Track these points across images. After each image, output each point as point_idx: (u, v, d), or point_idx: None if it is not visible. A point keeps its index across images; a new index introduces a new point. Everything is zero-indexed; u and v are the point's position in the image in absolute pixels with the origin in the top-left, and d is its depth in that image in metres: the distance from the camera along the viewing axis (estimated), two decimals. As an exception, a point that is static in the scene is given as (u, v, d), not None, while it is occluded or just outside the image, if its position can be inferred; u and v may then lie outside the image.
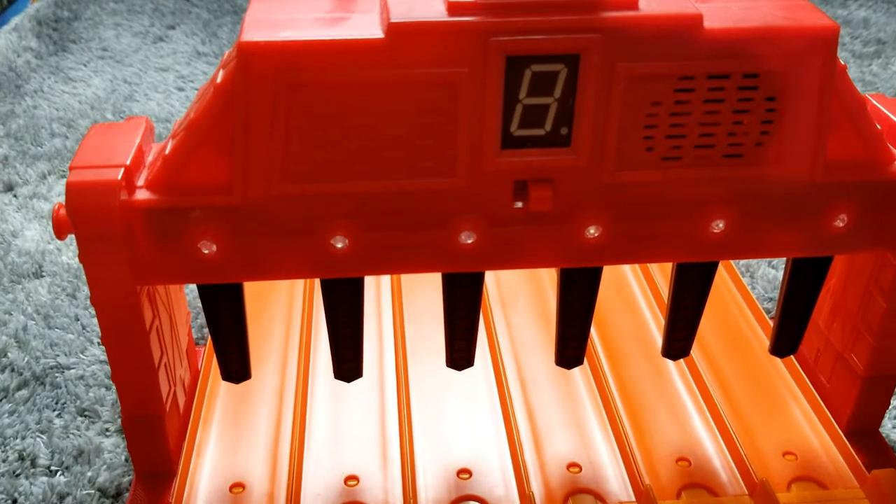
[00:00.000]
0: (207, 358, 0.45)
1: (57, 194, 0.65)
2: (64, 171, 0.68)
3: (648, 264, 0.54)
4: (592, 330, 0.48)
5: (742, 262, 0.58)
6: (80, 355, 0.48)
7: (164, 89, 0.83)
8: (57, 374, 0.47)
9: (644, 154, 0.33)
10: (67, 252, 0.58)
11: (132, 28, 0.94)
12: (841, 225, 0.36)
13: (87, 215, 0.32)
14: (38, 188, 0.66)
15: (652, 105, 0.32)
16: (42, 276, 0.55)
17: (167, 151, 0.33)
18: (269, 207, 0.33)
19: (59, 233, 0.34)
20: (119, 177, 0.32)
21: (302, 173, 0.32)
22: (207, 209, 0.33)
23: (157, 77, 0.85)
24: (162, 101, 0.80)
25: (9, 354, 0.48)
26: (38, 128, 0.74)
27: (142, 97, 0.81)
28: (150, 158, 0.35)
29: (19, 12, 0.96)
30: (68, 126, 0.75)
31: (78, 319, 0.51)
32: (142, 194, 0.33)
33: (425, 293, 0.51)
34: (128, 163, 0.33)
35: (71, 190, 0.32)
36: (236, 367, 0.38)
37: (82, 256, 0.33)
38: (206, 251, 0.34)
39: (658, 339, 0.48)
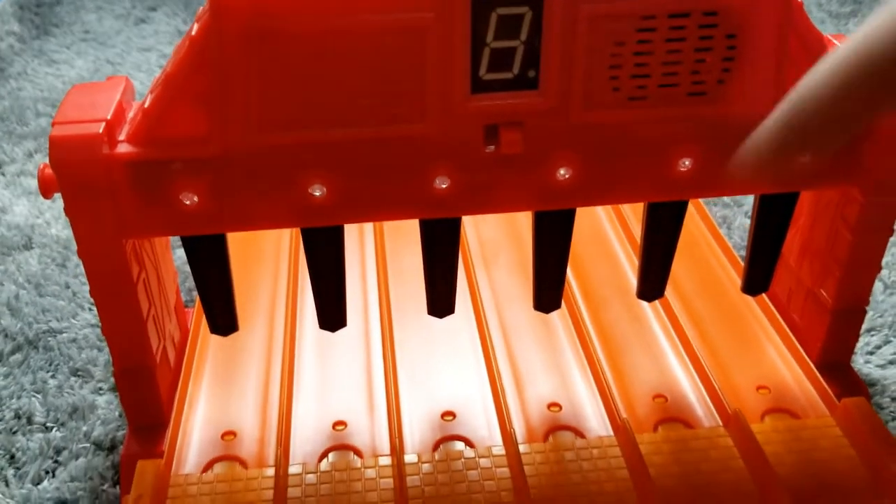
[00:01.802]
0: (196, 318, 0.46)
1: (44, 171, 0.66)
2: (50, 148, 0.69)
3: (623, 210, 0.55)
4: (570, 276, 0.49)
5: (719, 213, 0.59)
6: (72, 320, 0.50)
7: (148, 68, 0.83)
8: (49, 338, 0.48)
9: (610, 94, 0.34)
10: (56, 224, 0.59)
11: (114, 11, 0.95)
12: (804, 161, 0.37)
13: (70, 168, 0.33)
14: (26, 166, 0.66)
15: (615, 45, 0.33)
16: (32, 248, 0.56)
17: (146, 105, 0.34)
18: (248, 157, 0.34)
19: (45, 191, 0.35)
20: (101, 130, 0.33)
21: (277, 122, 0.33)
22: (187, 161, 0.34)
23: (139, 57, 0.85)
24: (146, 80, 0.81)
25: (2, 321, 0.49)
26: (23, 108, 0.75)
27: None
28: (130, 115, 0.36)
29: (0, -3, 0.96)
30: (53, 106, 0.75)
31: (68, 287, 0.52)
32: (123, 148, 0.34)
33: (408, 250, 0.52)
34: (109, 117, 0.34)
35: (54, 144, 0.33)
36: (223, 319, 0.39)
37: (68, 209, 0.34)
38: (187, 202, 0.35)
39: (634, 284, 0.49)
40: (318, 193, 0.35)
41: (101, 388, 0.45)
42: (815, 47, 0.35)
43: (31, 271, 0.54)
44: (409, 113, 0.34)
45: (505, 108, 0.34)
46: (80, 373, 0.46)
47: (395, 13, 0.32)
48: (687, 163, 0.36)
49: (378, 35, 0.32)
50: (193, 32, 0.32)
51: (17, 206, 0.61)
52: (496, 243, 0.54)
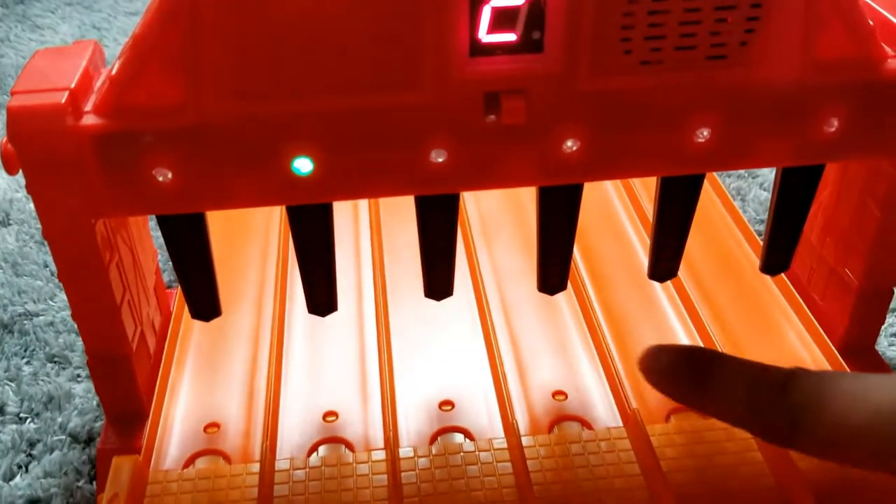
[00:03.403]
0: (179, 301, 0.44)
1: (24, 143, 0.63)
2: (31, 119, 0.66)
3: (633, 187, 0.52)
4: (577, 256, 0.46)
5: (733, 185, 0.56)
6: (50, 301, 0.47)
7: (135, 34, 0.80)
8: (25, 322, 0.45)
9: (622, 58, 0.31)
10: (36, 200, 0.56)
11: (100, -26, 0.91)
12: (832, 130, 0.34)
13: (31, 142, 0.30)
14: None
15: (628, 3, 0.30)
16: (9, 225, 0.53)
17: (114, 71, 0.31)
18: (225, 128, 0.31)
19: (9, 167, 0.32)
20: (63, 100, 0.30)
21: (257, 90, 0.30)
22: (160, 133, 0.31)
23: (126, 22, 0.82)
24: (132, 47, 0.78)
25: (-25, 303, 0.47)
26: (5, 76, 0.72)
27: (111, 42, 0.78)
28: (98, 83, 0.33)
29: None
30: (35, 74, 0.72)
31: (47, 266, 0.50)
32: (89, 119, 0.31)
33: (405, 227, 0.49)
34: (73, 86, 0.31)
35: (12, 115, 0.30)
36: (204, 304, 0.36)
37: (30, 187, 0.31)
38: (161, 179, 0.32)
39: (645, 264, 0.46)
40: (303, 168, 0.32)
41: (78, 376, 0.42)
42: (847, 5, 0.32)
43: (8, 249, 0.51)
44: (402, 79, 0.31)
45: (506, 74, 0.31)
46: (56, 359, 0.43)
47: (384, -32, 0.28)
48: (705, 133, 0.33)
49: (367, -8, 0.29)
50: (163, -11, 0.29)
51: (-4, 179, 0.58)
52: (497, 218, 0.51)
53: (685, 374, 0.30)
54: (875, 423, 0.24)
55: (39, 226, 0.53)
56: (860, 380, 0.25)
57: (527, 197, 0.52)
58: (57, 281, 0.48)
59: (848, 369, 0.39)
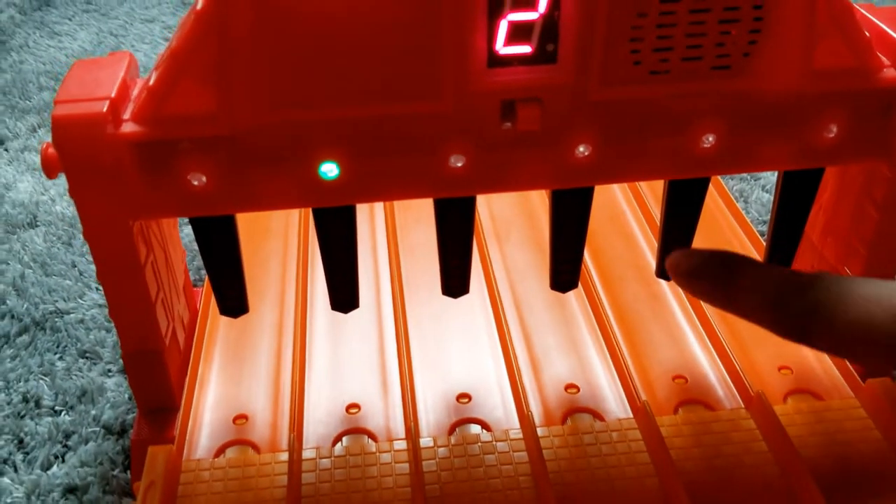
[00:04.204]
0: (206, 297, 0.46)
1: (48, 147, 0.65)
2: (54, 123, 0.68)
3: (641, 190, 0.54)
4: (587, 257, 0.48)
5: (736, 187, 0.58)
6: (79, 300, 0.49)
7: (151, 40, 0.82)
8: (57, 319, 0.47)
9: (631, 68, 0.33)
10: (61, 202, 0.58)
11: (116, -20, 0.93)
12: (831, 135, 0.36)
13: (74, 148, 0.32)
14: (29, 141, 0.65)
15: (637, 17, 0.32)
16: (37, 226, 0.55)
17: (151, 82, 0.33)
18: (257, 136, 0.33)
19: (49, 171, 0.34)
20: (105, 109, 0.32)
21: (287, 99, 0.32)
22: (195, 140, 0.33)
23: (143, 28, 0.84)
24: (149, 52, 0.80)
25: (8, 302, 0.48)
26: (26, 82, 0.73)
27: (129, 48, 0.80)
28: (135, 92, 0.35)
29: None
30: (56, 80, 0.74)
31: (75, 266, 0.51)
32: (128, 127, 0.33)
33: (419, 226, 0.51)
34: (113, 95, 0.33)
35: (57, 124, 0.32)
36: (233, 301, 0.38)
37: (72, 191, 0.33)
38: (196, 183, 0.34)
39: (652, 264, 0.48)
40: (330, 173, 0.34)
41: (109, 371, 0.44)
42: (844, 18, 0.34)
43: (37, 250, 0.53)
44: (423, 89, 0.33)
45: (522, 84, 0.33)
46: (88, 354, 0.45)
47: (409, -15, 0.30)
48: (710, 139, 0.35)
49: (391, 7, 0.31)
50: (199, 6, 0.31)
51: (22, 182, 0.60)
52: (508, 220, 0.53)
53: (714, 273, 0.30)
54: (891, 321, 0.25)
55: (66, 227, 0.55)
56: (881, 285, 0.26)
57: (536, 200, 0.54)
58: (85, 280, 0.50)
59: (848, 364, 0.41)
